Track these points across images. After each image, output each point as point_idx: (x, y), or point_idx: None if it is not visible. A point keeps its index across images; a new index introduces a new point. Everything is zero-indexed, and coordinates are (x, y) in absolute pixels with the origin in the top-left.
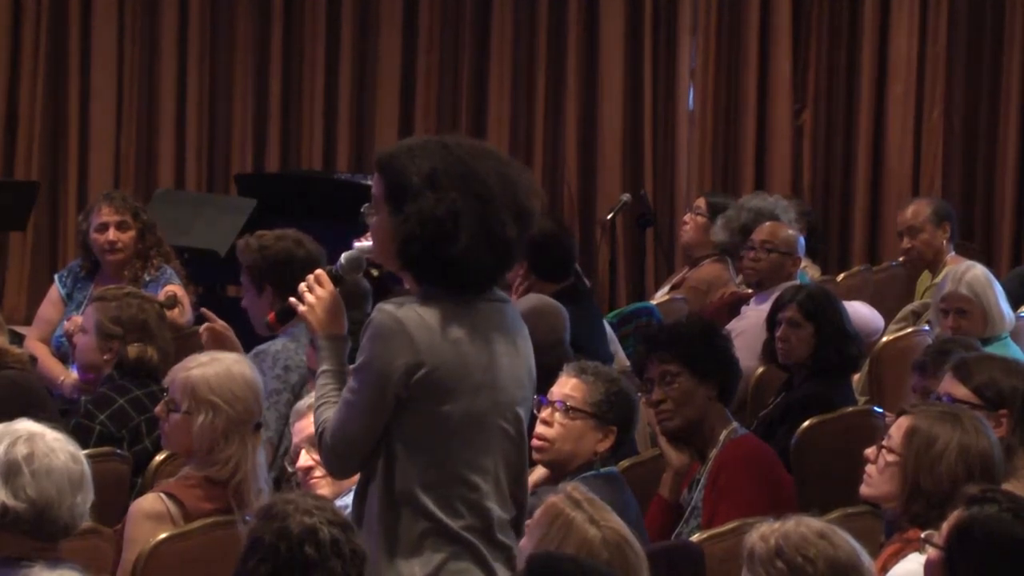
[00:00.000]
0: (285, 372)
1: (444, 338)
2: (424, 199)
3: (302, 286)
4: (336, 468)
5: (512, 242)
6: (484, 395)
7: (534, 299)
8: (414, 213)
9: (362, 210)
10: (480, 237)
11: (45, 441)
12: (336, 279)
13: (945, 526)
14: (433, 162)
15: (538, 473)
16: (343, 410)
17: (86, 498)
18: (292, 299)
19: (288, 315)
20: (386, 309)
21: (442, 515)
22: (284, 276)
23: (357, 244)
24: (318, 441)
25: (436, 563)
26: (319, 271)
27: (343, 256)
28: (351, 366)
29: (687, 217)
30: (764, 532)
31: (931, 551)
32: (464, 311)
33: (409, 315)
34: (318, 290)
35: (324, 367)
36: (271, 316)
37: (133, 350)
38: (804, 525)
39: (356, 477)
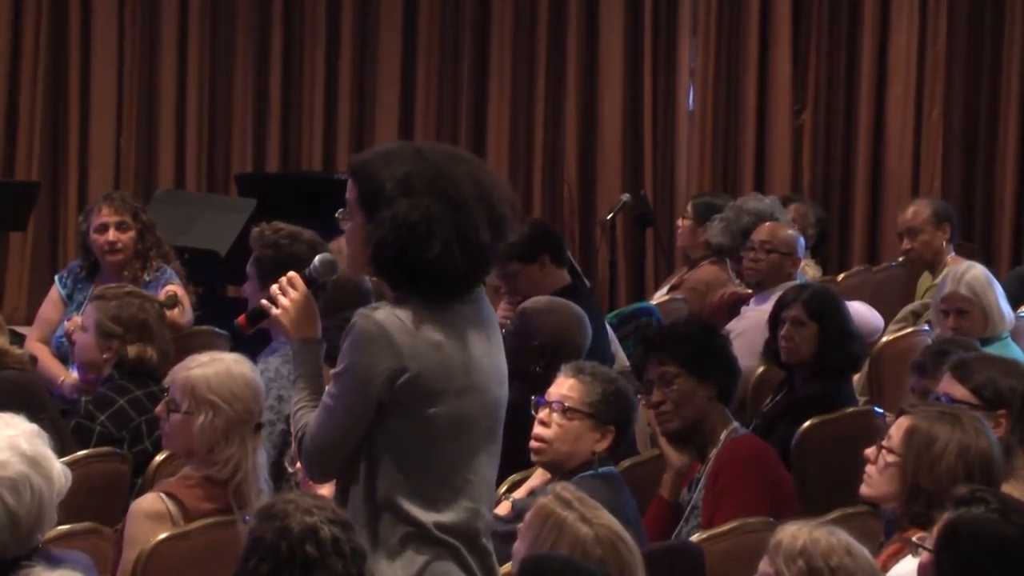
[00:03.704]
0: (278, 403)
1: (426, 342)
2: (397, 205)
3: (274, 288)
4: (315, 472)
5: (486, 248)
6: (469, 397)
7: (546, 301)
8: (387, 219)
9: (336, 215)
10: (453, 243)
11: None
12: (310, 282)
13: (935, 529)
14: (407, 167)
15: (540, 478)
16: (323, 415)
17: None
18: (264, 301)
19: (259, 317)
20: (366, 314)
21: (426, 519)
22: None
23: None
24: (296, 445)
25: (419, 565)
26: (292, 274)
27: (317, 258)
28: (332, 370)
29: (679, 221)
30: (795, 531)
31: (923, 554)
32: (443, 313)
33: (390, 320)
34: (292, 293)
35: (299, 372)
36: (241, 318)
37: (133, 350)
38: (835, 536)
39: None
